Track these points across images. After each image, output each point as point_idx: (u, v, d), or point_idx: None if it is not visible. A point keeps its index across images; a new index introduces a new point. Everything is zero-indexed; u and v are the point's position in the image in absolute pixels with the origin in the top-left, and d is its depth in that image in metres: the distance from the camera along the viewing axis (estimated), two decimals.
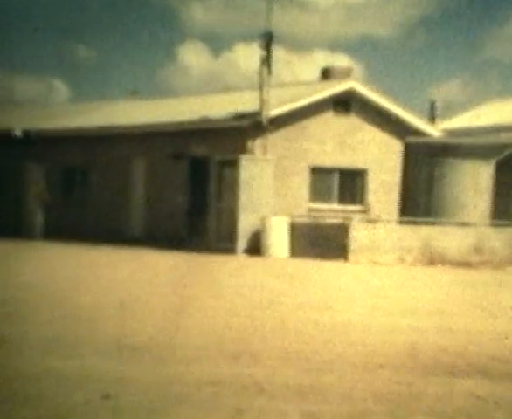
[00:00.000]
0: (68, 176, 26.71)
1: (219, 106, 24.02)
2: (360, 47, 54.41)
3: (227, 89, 28.89)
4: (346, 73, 23.23)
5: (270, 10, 21.27)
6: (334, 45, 59.63)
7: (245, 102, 22.93)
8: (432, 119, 27.42)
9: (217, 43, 64.15)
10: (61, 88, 59.35)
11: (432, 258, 19.19)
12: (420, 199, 22.09)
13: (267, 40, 20.74)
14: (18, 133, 26.97)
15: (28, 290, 10.01)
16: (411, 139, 22.78)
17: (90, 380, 4.78)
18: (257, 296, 10.45)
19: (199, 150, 22.76)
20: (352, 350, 6.39)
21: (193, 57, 56.38)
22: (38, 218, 26.24)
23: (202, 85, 54.05)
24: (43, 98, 51.11)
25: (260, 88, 20.72)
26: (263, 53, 20.69)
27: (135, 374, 5.02)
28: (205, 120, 22.61)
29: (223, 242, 21.23)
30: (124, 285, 11.26)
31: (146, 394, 4.51)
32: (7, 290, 9.87)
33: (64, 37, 57.40)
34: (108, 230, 24.29)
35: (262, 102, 20.67)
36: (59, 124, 27.59)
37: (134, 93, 31.35)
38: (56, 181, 26.61)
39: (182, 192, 23.20)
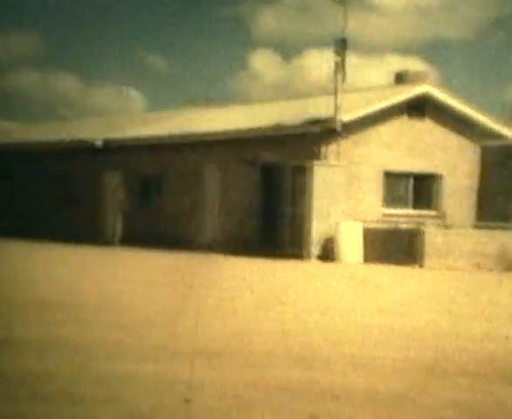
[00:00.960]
0: (144, 184, 27.16)
1: (291, 113, 24.03)
2: (432, 50, 53.66)
3: (298, 95, 28.88)
4: (420, 77, 22.93)
5: (343, 15, 21.19)
6: (406, 49, 58.97)
7: (316, 108, 22.88)
8: (508, 121, 26.81)
9: (288, 49, 64.25)
10: (138, 98, 60.47)
11: (510, 264, 18.74)
12: (499, 204, 21.61)
13: (341, 45, 20.66)
14: (98, 142, 27.60)
15: (107, 295, 10.21)
16: (488, 142, 22.32)
17: (167, 384, 4.85)
18: (331, 301, 10.41)
19: (271, 156, 22.82)
20: (424, 355, 6.29)
21: (264, 64, 56.61)
22: (116, 225, 26.76)
23: (273, 92, 54.19)
24: (120, 108, 52.15)
25: (333, 94, 20.64)
26: (336, 59, 20.61)
27: (211, 379, 5.06)
28: (278, 127, 22.66)
29: (295, 247, 21.22)
30: (201, 290, 11.37)
31: (222, 398, 4.54)
32: (87, 295, 10.10)
33: (139, 48, 58.46)
34: (182, 237, 24.59)
35: (335, 108, 20.59)
36: (136, 133, 28.11)
37: (207, 101, 31.65)
38: (132, 188, 27.10)
39: (254, 198, 23.29)
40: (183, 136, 25.98)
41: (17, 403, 4.23)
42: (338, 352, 6.37)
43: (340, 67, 20.56)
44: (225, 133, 24.59)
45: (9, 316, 7.68)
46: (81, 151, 28.67)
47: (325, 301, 10.71)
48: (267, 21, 56.94)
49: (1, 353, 5.65)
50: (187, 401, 4.39)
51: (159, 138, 26.73)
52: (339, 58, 20.59)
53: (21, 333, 6.64)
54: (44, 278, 12.90)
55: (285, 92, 56.67)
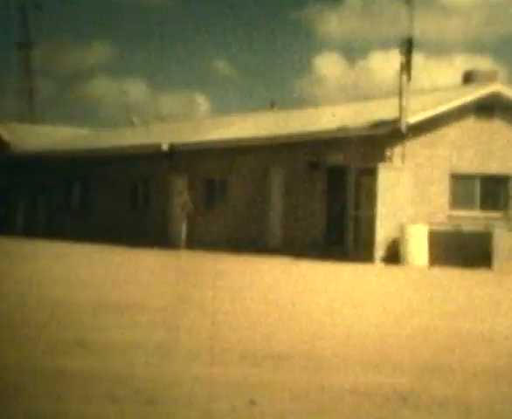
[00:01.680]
0: (209, 187, 27.41)
1: (356, 115, 23.91)
2: (502, 47, 52.58)
3: (363, 97, 28.71)
4: (490, 77, 22.50)
5: (409, 14, 20.98)
6: (474, 47, 57.93)
7: (382, 110, 22.71)
8: None
9: (353, 52, 63.83)
10: (203, 102, 61.05)
11: None
12: None
13: (407, 46, 20.45)
14: (165, 147, 28.01)
15: (185, 298, 10.36)
16: None
17: (235, 386, 4.91)
18: (401, 305, 10.33)
19: (336, 159, 22.74)
20: (500, 362, 6.20)
21: (329, 67, 56.44)
22: (182, 229, 27.08)
23: (337, 95, 53.99)
24: (186, 112, 52.77)
25: (399, 95, 20.44)
26: (403, 59, 20.41)
27: (279, 382, 5.10)
28: (343, 130, 22.57)
29: (360, 250, 21.11)
30: (271, 293, 11.42)
31: (290, 402, 4.58)
32: (162, 299, 10.26)
33: (206, 53, 58.97)
34: (247, 240, 24.72)
35: (401, 109, 20.39)
36: (202, 137, 28.40)
37: (273, 105, 31.74)
38: (198, 192, 27.38)
39: (318, 201, 23.25)
40: (248, 140, 26.12)
41: (95, 403, 4.35)
42: (413, 357, 6.33)
43: (406, 68, 20.35)
44: (290, 136, 24.62)
45: (95, 319, 7.87)
46: (149, 156, 29.11)
47: (400, 305, 10.64)
48: (332, 24, 56.81)
49: (85, 356, 5.80)
50: (253, 402, 4.45)
51: (224, 142, 26.93)
52: (405, 59, 20.38)
53: (100, 335, 6.81)
54: (127, 281, 13.15)
55: (350, 94, 56.40)
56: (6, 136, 37.63)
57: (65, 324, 7.37)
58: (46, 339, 6.41)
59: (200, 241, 25.72)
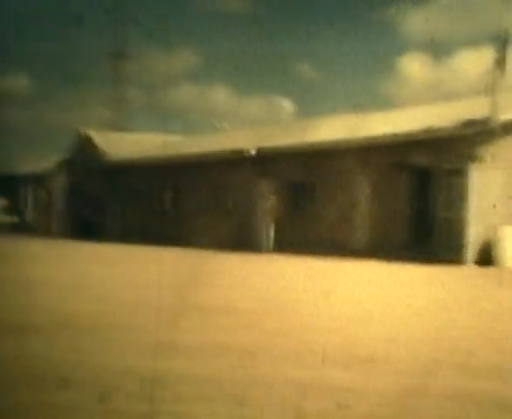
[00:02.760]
0: (295, 191, 27.49)
1: (442, 115, 23.53)
2: None
3: (450, 97, 28.22)
4: None
5: (502, 8, 20.51)
6: None
7: (470, 109, 22.27)
8: None
9: (439, 50, 62.69)
10: (287, 106, 61.20)
11: None
12: None
13: (501, 41, 19.97)
14: (252, 152, 28.27)
15: (272, 301, 10.45)
16: None
17: (324, 389, 4.94)
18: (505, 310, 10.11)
19: (423, 160, 22.44)
20: None
21: (413, 67, 55.60)
22: (269, 232, 27.26)
23: (422, 95, 53.18)
24: (270, 116, 53.07)
25: (491, 92, 19.99)
26: (496, 56, 19.94)
27: (369, 385, 5.10)
28: (430, 130, 22.26)
29: (450, 252, 20.75)
30: (363, 296, 11.38)
31: (379, 406, 4.58)
32: (247, 301, 10.38)
33: (289, 56, 59.09)
34: (333, 242, 24.67)
35: (493, 106, 19.93)
36: (287, 141, 28.52)
37: (358, 107, 31.59)
38: (284, 195, 27.50)
39: (404, 202, 23.00)
40: (333, 142, 26.06)
41: (187, 404, 4.47)
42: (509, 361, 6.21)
43: (500, 64, 19.87)
44: (375, 138, 24.44)
45: (183, 321, 8.05)
46: (235, 160, 29.42)
47: (498, 309, 10.42)
48: (416, 22, 55.95)
49: (176, 358, 5.95)
50: (342, 405, 4.47)
51: (310, 145, 26.95)
52: (500, 54, 19.89)
53: (191, 338, 6.95)
54: (214, 283, 13.37)
55: (435, 93, 55.45)
56: (101, 144, 38.82)
57: (157, 326, 7.56)
58: (137, 341, 6.60)
59: (286, 244, 25.81)
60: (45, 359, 5.67)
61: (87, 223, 39.07)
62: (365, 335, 7.44)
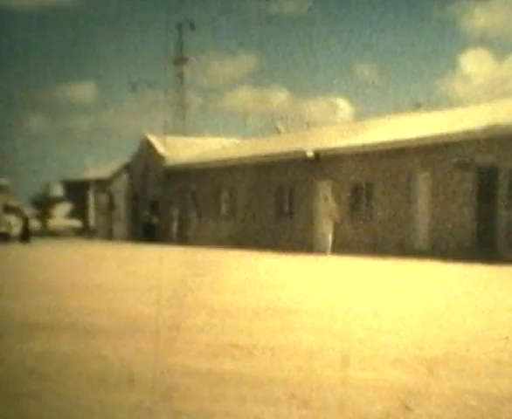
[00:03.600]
0: (354, 192, 27.34)
1: (506, 113, 23.10)
2: None
3: None
4: None
5: None
6: None
7: None
8: None
9: (500, 47, 61.59)
10: (345, 107, 60.98)
11: None
12: None
13: None
14: (310, 153, 28.28)
15: (322, 302, 10.43)
16: None
17: (388, 391, 4.90)
18: None
19: (486, 159, 22.06)
20: None
21: (474, 64, 54.71)
22: (328, 233, 27.18)
23: (484, 93, 52.29)
24: (328, 117, 52.96)
25: None
26: None
27: (433, 387, 5.04)
28: (493, 128, 21.88)
29: None
30: (428, 297, 11.26)
31: (445, 408, 4.51)
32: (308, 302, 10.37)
33: (347, 57, 58.82)
34: (392, 243, 24.45)
35: None
36: (345, 142, 28.39)
37: (418, 106, 31.27)
38: (343, 196, 27.38)
39: (467, 202, 22.65)
40: (392, 143, 25.82)
41: (251, 405, 4.48)
42: None
43: None
44: (437, 137, 24.12)
45: (249, 323, 8.09)
46: (293, 162, 29.42)
47: None
48: (479, 19, 55.07)
49: (239, 359, 5.98)
50: (407, 408, 4.42)
51: (368, 146, 26.76)
52: None
53: (250, 339, 6.98)
54: (275, 284, 13.40)
55: (498, 91, 54.45)
56: (161, 149, 39.32)
57: (219, 328, 7.61)
58: (203, 342, 6.65)
59: (345, 245, 25.67)
60: (110, 359, 5.76)
61: (147, 226, 39.58)
62: (429, 336, 7.35)
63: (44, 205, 48.50)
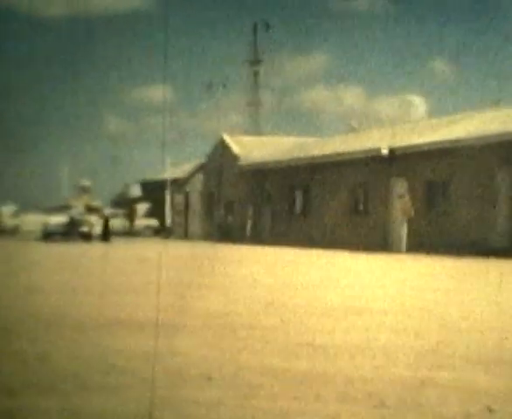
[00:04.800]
0: (429, 190, 26.96)
1: None
2: None
3: None
4: None
5: None
6: None
7: None
8: None
9: None
10: (420, 104, 60.13)
11: None
12: None
13: None
14: (385, 151, 28.04)
15: (394, 302, 10.34)
16: None
17: (467, 391, 4.84)
18: None
19: None
20: None
21: None
22: (403, 232, 26.88)
23: None
24: (403, 115, 52.33)
25: None
26: None
27: None
28: None
29: None
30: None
31: None
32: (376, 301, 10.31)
33: (420, 55, 58.05)
34: (470, 242, 23.99)
35: None
36: (421, 139, 28.01)
37: (497, 102, 30.59)
38: (418, 194, 27.03)
39: None
40: (469, 139, 25.35)
41: (328, 404, 4.51)
42: None
43: None
44: None
45: (322, 322, 8.11)
46: (367, 160, 29.21)
47: None
48: None
49: (315, 358, 6.01)
50: (490, 410, 4.36)
51: (444, 143, 26.34)
52: None
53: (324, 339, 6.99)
54: (344, 284, 13.38)
55: None
56: (236, 149, 39.63)
57: (294, 327, 7.65)
58: (279, 341, 6.70)
59: (420, 244, 25.34)
60: (190, 356, 5.87)
61: (222, 226, 39.96)
62: (508, 337, 7.22)
63: (124, 205, 49.60)
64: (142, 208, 48.37)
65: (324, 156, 32.71)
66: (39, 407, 4.36)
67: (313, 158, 33.57)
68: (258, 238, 35.58)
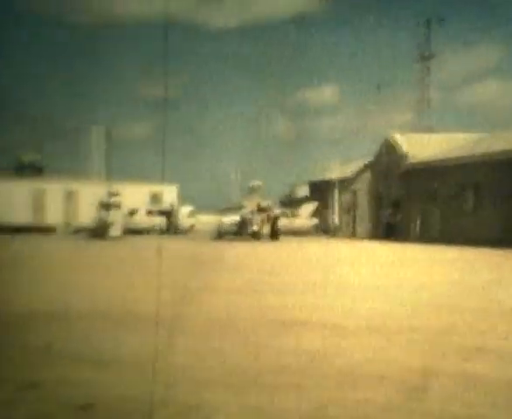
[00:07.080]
0: None
1: None
2: None
3: None
4: None
5: None
6: None
7: None
8: None
9: None
10: None
11: None
12: None
13: None
14: None
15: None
16: None
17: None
18: None
19: None
20: None
21: None
22: None
23: None
24: None
25: None
26: None
27: None
28: None
29: None
30: None
31: None
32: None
33: None
34: None
35: None
36: None
37: None
38: None
39: None
40: None
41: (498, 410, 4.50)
42: None
43: None
44: None
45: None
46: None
47: None
48: None
49: (486, 361, 5.97)
50: None
51: None
52: None
53: None
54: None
55: None
56: (403, 147, 39.17)
57: (468, 330, 7.56)
58: (452, 343, 6.66)
59: None
60: (355, 357, 5.99)
61: (389, 225, 39.61)
62: None
63: (292, 205, 50.36)
64: (308, 207, 48.77)
65: (497, 153, 31.55)
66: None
67: (484, 155, 32.50)
68: (426, 237, 34.94)
